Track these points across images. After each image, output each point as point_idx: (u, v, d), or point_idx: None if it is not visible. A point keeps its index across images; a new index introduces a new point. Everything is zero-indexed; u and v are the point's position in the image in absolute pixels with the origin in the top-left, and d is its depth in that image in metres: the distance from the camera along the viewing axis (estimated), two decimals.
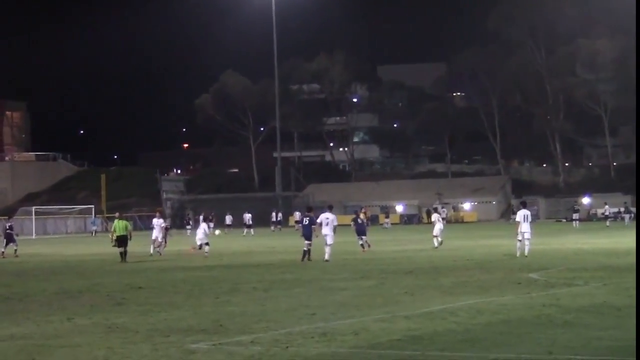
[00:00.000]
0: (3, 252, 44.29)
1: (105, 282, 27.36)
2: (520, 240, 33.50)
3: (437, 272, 27.74)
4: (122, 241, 37.70)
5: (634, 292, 20.32)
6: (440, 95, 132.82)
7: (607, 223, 77.35)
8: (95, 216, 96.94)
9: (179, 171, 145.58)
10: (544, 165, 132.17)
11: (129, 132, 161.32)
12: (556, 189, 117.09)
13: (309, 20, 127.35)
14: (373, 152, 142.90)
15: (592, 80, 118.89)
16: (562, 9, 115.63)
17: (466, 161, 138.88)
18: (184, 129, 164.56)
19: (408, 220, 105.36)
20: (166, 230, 42.53)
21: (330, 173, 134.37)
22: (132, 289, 24.78)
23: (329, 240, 34.50)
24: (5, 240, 44.95)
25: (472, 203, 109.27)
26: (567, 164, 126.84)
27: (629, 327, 14.87)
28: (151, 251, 40.85)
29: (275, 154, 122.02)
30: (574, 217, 79.09)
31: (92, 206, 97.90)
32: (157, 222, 41.52)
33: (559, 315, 16.77)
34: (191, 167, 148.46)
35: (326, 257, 33.91)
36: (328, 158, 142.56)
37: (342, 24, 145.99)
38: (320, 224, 34.88)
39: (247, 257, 39.69)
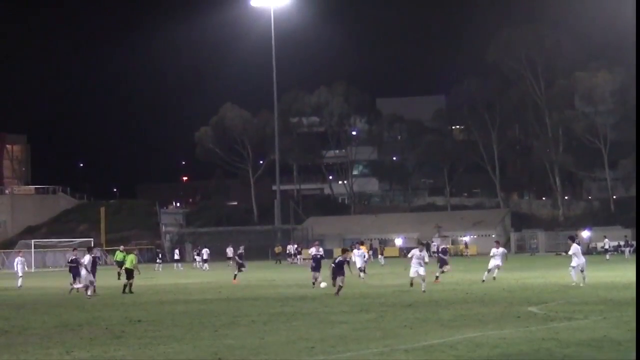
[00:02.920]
0: (75, 288, 40.97)
1: (104, 315, 27.31)
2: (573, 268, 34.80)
3: (436, 305, 27.70)
4: (129, 273, 38.21)
5: (634, 325, 20.33)
6: (440, 128, 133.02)
7: (607, 256, 77.21)
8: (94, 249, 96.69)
9: (178, 204, 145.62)
10: (544, 198, 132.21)
11: (128, 165, 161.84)
12: (556, 222, 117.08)
13: (309, 54, 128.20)
14: (372, 185, 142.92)
15: (591, 113, 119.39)
16: (561, 41, 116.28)
17: (465, 194, 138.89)
18: (184, 162, 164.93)
19: (407, 253, 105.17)
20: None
21: (330, 206, 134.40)
22: (131, 322, 24.74)
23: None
24: (72, 275, 42.46)
25: (472, 236, 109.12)
26: (566, 197, 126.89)
27: None
28: None
29: (274, 187, 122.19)
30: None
31: (92, 239, 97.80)
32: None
33: (558, 349, 16.75)
34: (190, 200, 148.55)
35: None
36: (327, 191, 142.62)
37: (342, 57, 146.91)
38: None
39: (246, 290, 39.61)
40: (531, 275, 37.48)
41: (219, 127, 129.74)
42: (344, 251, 37.69)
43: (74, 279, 39.96)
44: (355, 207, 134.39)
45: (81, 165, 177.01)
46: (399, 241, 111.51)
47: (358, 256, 44.39)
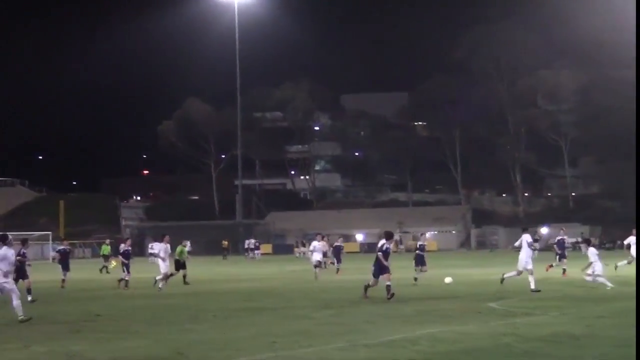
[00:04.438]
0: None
1: (63, 310, 27.09)
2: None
3: (398, 301, 27.71)
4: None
5: (592, 321, 20.48)
6: (403, 125, 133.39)
7: (566, 253, 77.72)
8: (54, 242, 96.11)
9: (139, 198, 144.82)
10: (505, 195, 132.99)
11: (89, 158, 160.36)
12: (516, 219, 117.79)
13: (273, 49, 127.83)
14: (335, 181, 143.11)
15: (554, 111, 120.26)
16: (525, 40, 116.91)
17: (427, 190, 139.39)
18: (145, 156, 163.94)
19: (369, 249, 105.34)
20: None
21: (292, 201, 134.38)
22: (90, 316, 24.54)
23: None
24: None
25: (433, 232, 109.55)
26: (527, 194, 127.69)
27: (586, 357, 14.98)
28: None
29: (236, 182, 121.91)
30: (534, 246, 79.30)
31: (50, 232, 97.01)
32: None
33: (517, 344, 16.82)
34: (151, 194, 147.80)
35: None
36: (290, 186, 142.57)
37: (306, 53, 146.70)
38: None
39: (208, 285, 39.46)
40: (491, 272, 37.67)
41: (182, 121, 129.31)
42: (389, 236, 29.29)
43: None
44: (317, 203, 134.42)
45: (40, 157, 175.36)
46: (359, 237, 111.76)
47: (317, 250, 43.34)
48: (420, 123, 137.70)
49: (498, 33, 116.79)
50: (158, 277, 36.92)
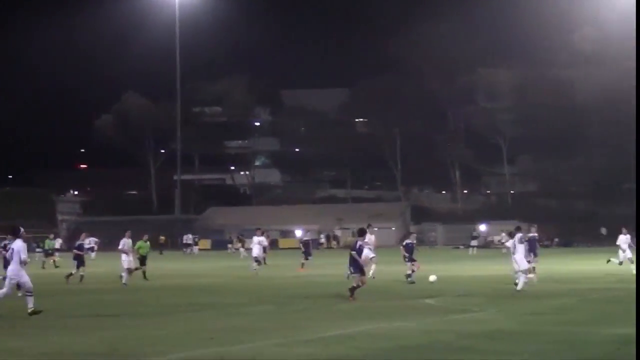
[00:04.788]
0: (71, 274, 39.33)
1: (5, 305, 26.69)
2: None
3: (336, 297, 27.75)
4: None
5: (528, 318, 20.67)
6: (343, 121, 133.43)
7: (504, 250, 78.53)
8: None
9: (76, 192, 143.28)
10: (443, 192, 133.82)
11: (24, 152, 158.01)
12: (454, 216, 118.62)
13: (213, 43, 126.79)
14: (274, 177, 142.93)
15: (492, 109, 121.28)
16: (464, 38, 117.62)
17: (367, 187, 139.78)
18: (82, 150, 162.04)
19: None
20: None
21: (231, 196, 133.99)
22: (26, 312, 24.17)
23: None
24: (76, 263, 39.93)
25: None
26: (465, 191, 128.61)
27: (521, 353, 15.11)
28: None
29: (175, 177, 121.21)
30: (471, 244, 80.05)
31: None
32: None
33: (454, 341, 16.91)
34: (88, 189, 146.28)
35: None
36: (229, 181, 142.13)
37: (246, 48, 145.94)
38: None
39: (145, 281, 39.13)
40: (429, 268, 37.83)
41: (120, 115, 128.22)
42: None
43: None
44: (256, 198, 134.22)
45: None
46: (298, 232, 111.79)
47: (257, 244, 42.84)
48: (360, 120, 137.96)
49: (437, 31, 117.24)
50: (122, 273, 36.73)
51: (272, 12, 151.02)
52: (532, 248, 39.99)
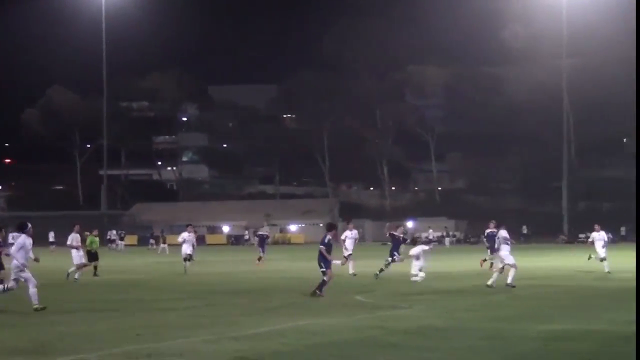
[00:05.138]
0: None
1: None
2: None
3: (265, 293, 27.64)
4: None
5: (458, 314, 20.74)
6: (272, 117, 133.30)
7: (431, 246, 79.11)
8: None
9: (0, 187, 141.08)
10: (372, 188, 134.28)
11: None
12: (383, 212, 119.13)
13: (141, 38, 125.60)
14: (202, 172, 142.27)
15: (421, 106, 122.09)
16: (394, 35, 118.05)
17: (295, 183, 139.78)
18: (7, 144, 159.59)
19: (235, 240, 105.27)
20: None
21: (158, 192, 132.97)
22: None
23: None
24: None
25: (300, 225, 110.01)
26: (394, 188, 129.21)
27: (451, 349, 15.12)
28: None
29: (101, 172, 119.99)
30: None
31: None
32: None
33: (384, 337, 16.88)
34: (13, 184, 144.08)
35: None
36: (156, 177, 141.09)
37: (175, 42, 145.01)
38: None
39: (98, 276, 38.44)
40: (358, 264, 37.89)
41: (47, 109, 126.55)
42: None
43: None
44: (184, 194, 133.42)
45: None
46: (226, 228, 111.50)
47: (187, 240, 41.99)
48: (289, 116, 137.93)
49: (366, 27, 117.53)
50: (71, 270, 36.07)
51: (201, 8, 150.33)
52: (490, 243, 40.18)
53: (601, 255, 36.62)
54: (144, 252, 77.70)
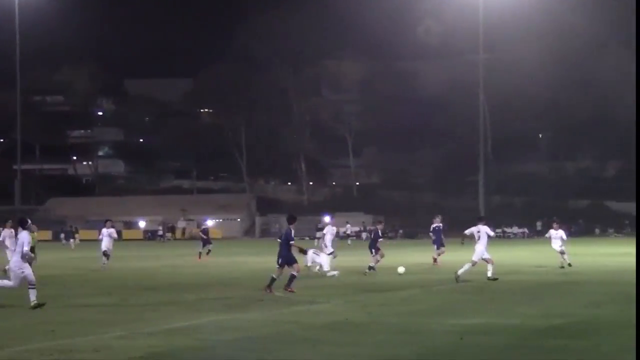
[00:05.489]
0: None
1: None
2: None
3: (180, 288, 27.49)
4: None
5: (373, 309, 20.83)
6: (188, 111, 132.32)
7: (349, 241, 79.69)
8: None
9: None
10: (289, 183, 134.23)
11: None
12: (300, 207, 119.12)
13: (55, 30, 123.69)
14: (118, 167, 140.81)
15: (338, 101, 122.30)
16: (310, 29, 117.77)
17: (212, 178, 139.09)
18: None
19: (151, 236, 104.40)
20: None
21: (73, 187, 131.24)
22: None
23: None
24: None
25: (217, 220, 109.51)
26: (311, 183, 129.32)
27: (367, 344, 15.17)
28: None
29: (15, 167, 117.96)
30: (317, 236, 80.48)
31: None
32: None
33: (300, 332, 16.89)
34: None
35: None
36: (71, 172, 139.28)
37: (89, 36, 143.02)
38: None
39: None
40: (275, 259, 37.73)
41: None
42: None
43: None
44: (99, 189, 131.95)
45: None
46: (142, 223, 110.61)
47: (106, 236, 41.14)
48: (205, 110, 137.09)
49: (281, 21, 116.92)
50: (7, 267, 35.28)
51: (116, 1, 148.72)
52: (436, 236, 40.22)
53: (558, 249, 36.49)
54: (57, 247, 76.59)
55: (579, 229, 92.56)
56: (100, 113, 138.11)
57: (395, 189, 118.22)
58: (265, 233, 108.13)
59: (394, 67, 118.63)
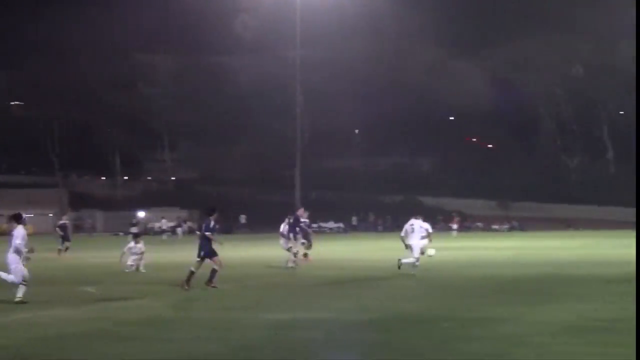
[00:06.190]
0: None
1: None
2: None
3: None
4: None
5: (185, 304, 20.77)
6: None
7: (164, 237, 79.16)
8: None
9: None
10: (103, 178, 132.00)
11: None
12: (114, 202, 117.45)
13: None
14: None
15: (152, 95, 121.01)
16: (121, 22, 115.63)
17: (23, 172, 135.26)
18: None
19: None
20: None
21: None
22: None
23: None
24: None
25: (28, 215, 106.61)
26: (126, 178, 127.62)
27: (181, 340, 15.11)
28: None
29: None
30: (131, 231, 79.60)
31: None
32: None
33: (113, 328, 16.71)
34: None
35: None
36: None
37: None
38: None
39: None
40: (88, 255, 37.19)
41: None
42: None
43: None
44: None
45: None
46: None
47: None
48: (15, 103, 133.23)
49: (94, 12, 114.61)
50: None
51: None
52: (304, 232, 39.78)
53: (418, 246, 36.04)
54: None
55: (391, 223, 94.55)
56: None
57: (210, 184, 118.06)
58: (78, 228, 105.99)
59: (210, 61, 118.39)
